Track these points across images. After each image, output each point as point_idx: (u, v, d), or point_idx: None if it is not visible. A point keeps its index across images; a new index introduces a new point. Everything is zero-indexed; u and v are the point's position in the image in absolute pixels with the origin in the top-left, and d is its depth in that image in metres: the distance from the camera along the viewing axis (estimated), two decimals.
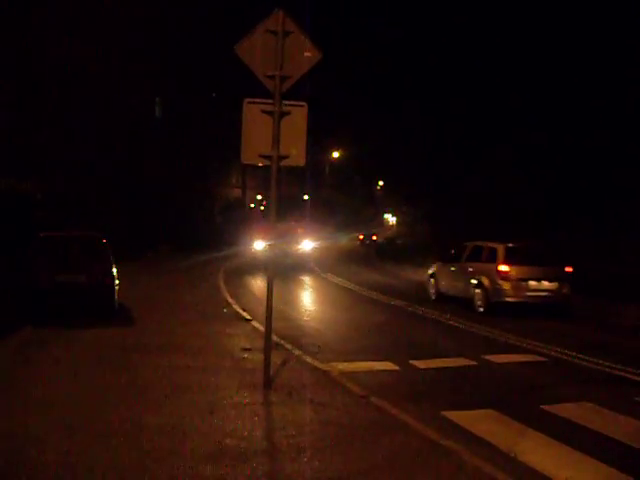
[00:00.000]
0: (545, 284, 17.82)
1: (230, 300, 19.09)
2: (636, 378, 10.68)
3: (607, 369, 11.30)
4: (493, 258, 18.35)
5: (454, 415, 8.32)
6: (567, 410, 8.60)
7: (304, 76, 9.24)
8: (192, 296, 20.38)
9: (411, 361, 11.55)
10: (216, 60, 44.60)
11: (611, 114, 28.86)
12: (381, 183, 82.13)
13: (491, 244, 19.05)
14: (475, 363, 11.58)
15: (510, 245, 18.66)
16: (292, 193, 66.33)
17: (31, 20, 28.89)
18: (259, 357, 9.84)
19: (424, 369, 11.13)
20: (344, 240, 69.64)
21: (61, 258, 15.07)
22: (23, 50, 28.17)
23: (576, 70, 30.22)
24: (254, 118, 8.99)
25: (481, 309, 18.21)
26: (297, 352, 11.77)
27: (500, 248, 18.46)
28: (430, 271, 21.93)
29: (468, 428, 7.80)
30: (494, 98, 35.80)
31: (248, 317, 15.56)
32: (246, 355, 11.35)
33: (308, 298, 23.79)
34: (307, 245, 36.42)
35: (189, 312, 16.78)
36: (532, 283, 17.77)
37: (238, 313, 16.47)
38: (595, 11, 29.11)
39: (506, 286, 17.77)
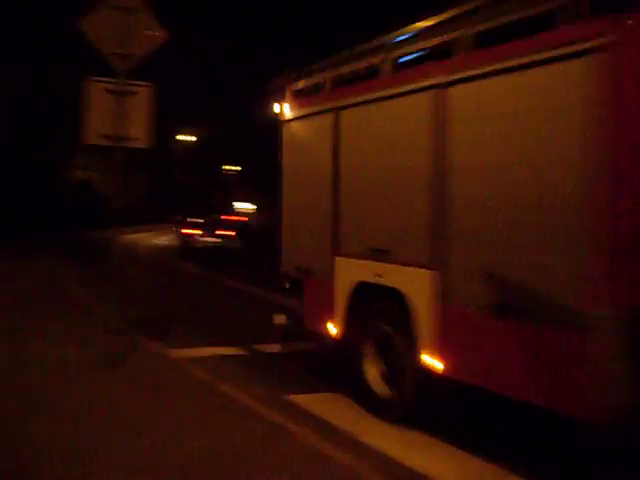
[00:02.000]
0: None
1: None
2: None
3: None
4: None
5: (299, 399, 8.42)
6: None
7: (152, 56, 9.06)
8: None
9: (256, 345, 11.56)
10: (60, 35, 42.80)
11: None
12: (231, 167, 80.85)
13: None
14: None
15: None
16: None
17: None
18: (103, 341, 9.60)
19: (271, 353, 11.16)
20: None
21: None
22: None
23: None
24: (97, 97, 8.75)
25: None
26: (142, 338, 11.53)
27: None
28: None
29: (312, 411, 7.93)
30: None
31: None
32: (90, 339, 11.02)
33: None
34: None
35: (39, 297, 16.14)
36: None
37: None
38: None
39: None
